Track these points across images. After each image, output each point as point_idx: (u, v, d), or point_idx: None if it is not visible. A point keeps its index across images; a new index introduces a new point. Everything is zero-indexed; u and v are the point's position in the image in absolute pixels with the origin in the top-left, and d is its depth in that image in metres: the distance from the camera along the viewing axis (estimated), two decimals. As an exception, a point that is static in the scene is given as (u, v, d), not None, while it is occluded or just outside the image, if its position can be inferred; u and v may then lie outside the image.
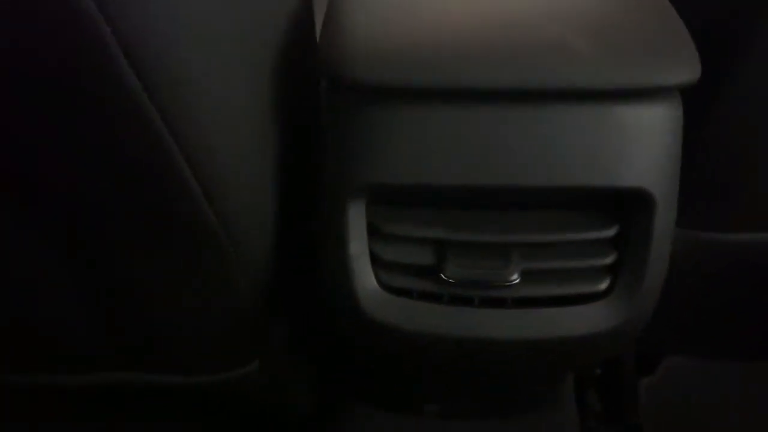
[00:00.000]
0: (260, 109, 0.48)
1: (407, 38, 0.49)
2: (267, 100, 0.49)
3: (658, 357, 0.91)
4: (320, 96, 0.54)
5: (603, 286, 0.53)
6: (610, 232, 0.52)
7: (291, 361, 0.72)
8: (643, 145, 0.50)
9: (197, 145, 0.39)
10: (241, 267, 0.50)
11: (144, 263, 0.48)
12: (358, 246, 0.52)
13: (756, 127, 0.60)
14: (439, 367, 0.66)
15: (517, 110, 0.49)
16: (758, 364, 0.90)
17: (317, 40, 0.53)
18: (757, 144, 0.61)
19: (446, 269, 0.51)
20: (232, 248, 0.47)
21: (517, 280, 0.51)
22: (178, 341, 0.57)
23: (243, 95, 0.45)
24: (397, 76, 0.47)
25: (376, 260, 0.53)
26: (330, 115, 0.51)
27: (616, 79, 0.47)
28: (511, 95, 0.48)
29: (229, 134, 0.43)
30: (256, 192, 0.50)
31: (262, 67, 0.48)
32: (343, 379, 0.81)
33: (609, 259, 0.52)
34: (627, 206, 0.52)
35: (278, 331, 0.66)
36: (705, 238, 0.70)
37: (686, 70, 0.48)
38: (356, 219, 0.52)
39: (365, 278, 0.53)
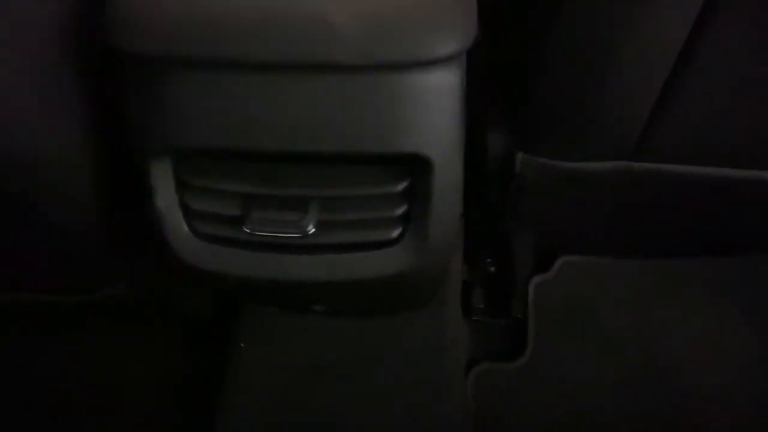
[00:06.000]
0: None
1: (180, 10, 0.49)
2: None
3: (553, 257, 0.94)
4: None
5: (395, 233, 0.58)
6: (400, 186, 0.56)
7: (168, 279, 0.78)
8: (418, 112, 0.51)
9: None
10: (66, 203, 0.59)
11: None
12: (165, 199, 0.57)
13: (592, 59, 0.61)
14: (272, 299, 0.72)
15: (290, 79, 0.50)
16: (654, 261, 0.93)
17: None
18: (594, 76, 0.62)
19: (247, 221, 0.56)
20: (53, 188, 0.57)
21: (313, 230, 0.56)
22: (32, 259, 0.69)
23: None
24: (163, 48, 0.48)
25: (188, 210, 0.58)
26: (125, 80, 0.54)
27: (375, 54, 0.48)
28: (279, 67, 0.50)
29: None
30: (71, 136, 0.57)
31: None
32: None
33: (399, 211, 0.57)
34: (411, 166, 0.55)
35: (141, 256, 0.73)
36: (556, 166, 0.74)
37: (451, 40, 0.48)
38: (162, 175, 0.56)
39: (177, 227, 0.58)
